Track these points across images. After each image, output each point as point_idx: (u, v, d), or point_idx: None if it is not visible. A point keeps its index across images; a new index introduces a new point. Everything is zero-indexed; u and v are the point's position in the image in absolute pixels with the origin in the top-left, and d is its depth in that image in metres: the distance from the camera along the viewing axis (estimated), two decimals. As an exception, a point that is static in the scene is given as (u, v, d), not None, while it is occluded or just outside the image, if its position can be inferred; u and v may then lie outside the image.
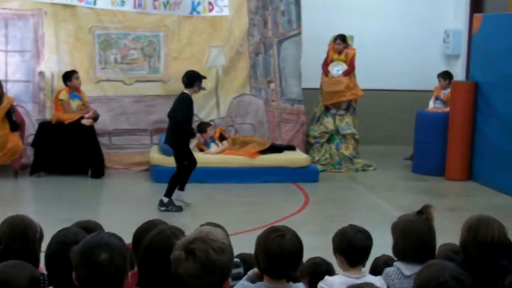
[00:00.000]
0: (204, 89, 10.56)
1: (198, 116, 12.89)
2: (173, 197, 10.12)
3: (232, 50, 13.20)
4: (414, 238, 4.22)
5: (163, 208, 10.01)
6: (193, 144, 12.34)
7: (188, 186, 10.51)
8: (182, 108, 9.86)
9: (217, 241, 3.05)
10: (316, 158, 13.22)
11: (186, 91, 9.92)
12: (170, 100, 12.74)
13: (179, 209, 10.10)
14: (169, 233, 3.57)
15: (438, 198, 11.13)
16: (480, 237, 4.21)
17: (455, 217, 9.57)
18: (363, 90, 13.45)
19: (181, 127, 9.88)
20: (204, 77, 10.20)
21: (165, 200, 10.06)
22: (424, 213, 4.33)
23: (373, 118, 15.15)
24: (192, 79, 9.90)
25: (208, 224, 4.38)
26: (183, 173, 10.14)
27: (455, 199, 11.42)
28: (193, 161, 10.17)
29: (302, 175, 12.01)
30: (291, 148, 12.74)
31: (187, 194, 10.32)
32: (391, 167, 13.40)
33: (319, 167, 12.71)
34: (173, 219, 3.83)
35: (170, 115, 10.21)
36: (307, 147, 13.56)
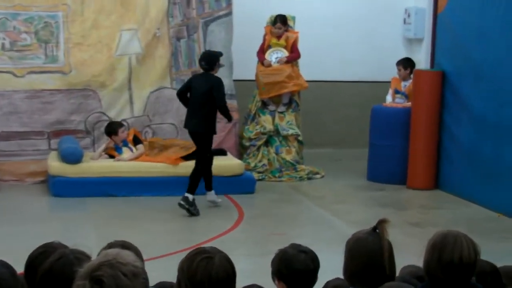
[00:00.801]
0: (222, 65, 11.28)
1: (106, 115, 12.83)
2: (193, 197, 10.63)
3: (148, 35, 13.15)
4: (362, 258, 4.21)
5: (186, 207, 10.62)
6: (100, 149, 12.27)
7: (93, 200, 10.46)
8: (219, 90, 10.71)
9: (128, 265, 3.01)
10: (252, 165, 13.27)
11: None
12: (72, 95, 12.72)
13: (197, 212, 10.74)
14: (72, 257, 3.56)
15: (399, 211, 11.30)
16: (446, 256, 4.22)
17: (419, 233, 9.73)
18: (307, 82, 13.54)
19: (226, 110, 10.84)
20: (221, 54, 11.13)
21: (191, 197, 10.61)
22: (378, 229, 4.34)
23: (320, 115, 15.27)
24: (212, 61, 10.82)
25: (116, 243, 4.36)
26: (207, 166, 10.79)
27: (419, 212, 11.55)
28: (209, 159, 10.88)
29: (235, 185, 12.04)
30: (221, 152, 12.74)
31: (84, 208, 10.28)
32: (342, 175, 13.52)
33: (256, 176, 12.76)
34: (75, 242, 3.79)
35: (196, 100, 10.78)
36: (241, 151, 13.60)
